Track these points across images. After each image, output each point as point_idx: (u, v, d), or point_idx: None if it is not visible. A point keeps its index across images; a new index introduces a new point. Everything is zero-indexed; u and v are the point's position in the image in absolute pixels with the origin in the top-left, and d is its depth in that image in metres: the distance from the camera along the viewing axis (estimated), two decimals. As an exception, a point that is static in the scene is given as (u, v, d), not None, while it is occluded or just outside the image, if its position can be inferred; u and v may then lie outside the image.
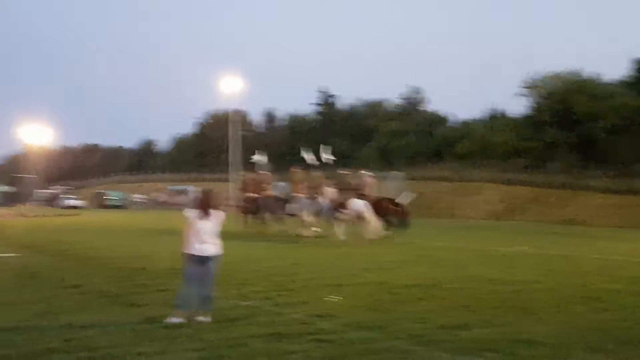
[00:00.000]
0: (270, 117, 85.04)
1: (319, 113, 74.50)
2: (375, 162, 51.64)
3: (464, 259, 14.18)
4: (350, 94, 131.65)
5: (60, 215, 44.63)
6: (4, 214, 36.69)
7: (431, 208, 40.68)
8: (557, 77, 44.78)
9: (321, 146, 26.07)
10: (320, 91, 74.59)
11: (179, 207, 58.60)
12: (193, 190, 58.58)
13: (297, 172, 23.43)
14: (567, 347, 6.16)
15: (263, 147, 77.06)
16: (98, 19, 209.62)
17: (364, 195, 19.59)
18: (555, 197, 37.14)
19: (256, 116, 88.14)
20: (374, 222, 18.53)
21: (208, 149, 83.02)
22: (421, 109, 66.63)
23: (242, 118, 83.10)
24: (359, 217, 18.66)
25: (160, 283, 10.16)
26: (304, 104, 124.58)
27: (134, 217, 41.87)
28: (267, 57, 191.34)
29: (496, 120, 52.86)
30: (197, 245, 7.34)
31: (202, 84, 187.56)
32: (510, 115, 51.44)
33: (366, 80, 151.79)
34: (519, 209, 37.14)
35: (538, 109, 44.10)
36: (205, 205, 7.49)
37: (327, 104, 74.53)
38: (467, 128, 53.65)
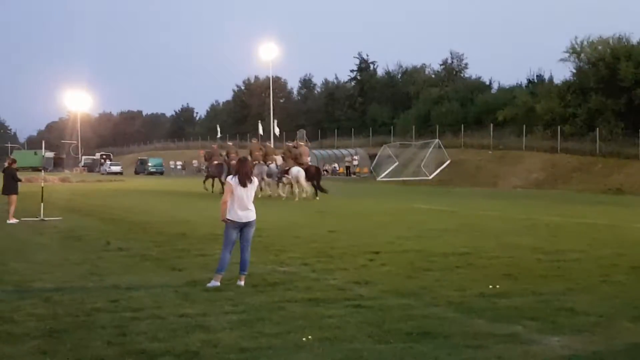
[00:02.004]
0: (307, 84, 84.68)
1: (358, 80, 73.73)
2: (414, 130, 51.15)
3: (506, 227, 13.99)
4: (389, 60, 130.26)
5: (103, 180, 45.69)
6: (49, 179, 37.66)
7: (473, 176, 40.18)
8: (603, 41, 43.14)
9: (275, 122, 34.94)
10: (358, 57, 73.83)
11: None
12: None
13: (255, 144, 28.65)
14: (611, 317, 6.03)
15: (301, 114, 77.18)
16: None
17: (301, 163, 24.17)
18: (600, 165, 36.17)
19: (294, 83, 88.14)
20: (305, 185, 23.38)
21: (246, 116, 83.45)
22: (462, 75, 65.44)
23: (280, 85, 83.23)
24: (297, 181, 23.33)
25: (200, 248, 10.35)
26: (342, 71, 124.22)
27: (174, 183, 42.55)
28: (305, 24, 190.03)
29: (540, 86, 51.50)
30: (239, 212, 7.44)
31: (240, 52, 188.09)
32: (555, 82, 50.06)
33: (406, 46, 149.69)
34: (563, 178, 36.33)
35: (583, 75, 42.70)
36: (244, 172, 7.55)
37: (366, 70, 73.66)
38: (509, 94, 52.40)
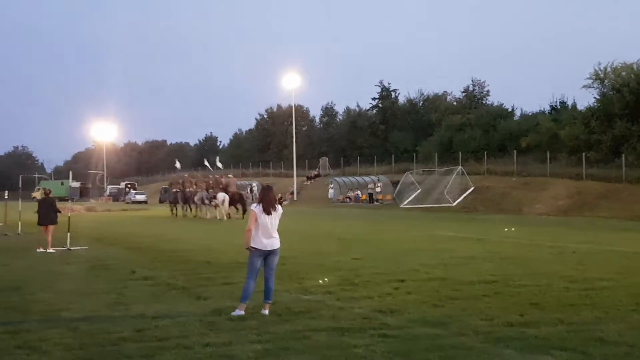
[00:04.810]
0: (329, 112, 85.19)
1: (379, 107, 73.97)
2: (437, 157, 50.97)
3: (533, 255, 13.79)
4: (411, 88, 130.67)
5: (128, 209, 46.18)
6: (76, 208, 38.15)
7: (498, 203, 39.76)
8: (627, 67, 42.78)
9: (217, 157, 43.44)
10: (380, 85, 74.15)
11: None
12: (257, 185, 59.54)
13: (197, 175, 38.15)
14: (643, 347, 5.89)
15: (323, 142, 77.41)
16: (162, 19, 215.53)
17: (227, 190, 30.77)
18: (627, 192, 35.53)
19: (316, 111, 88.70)
20: (226, 209, 29.84)
21: (269, 144, 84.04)
22: (484, 102, 65.32)
23: (302, 113, 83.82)
24: (221, 204, 29.63)
25: (224, 276, 10.36)
26: (364, 99, 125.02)
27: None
28: (326, 54, 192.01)
29: (564, 112, 51.14)
30: (263, 240, 7.44)
31: (263, 81, 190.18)
32: (579, 108, 49.69)
33: (427, 74, 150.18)
34: (589, 205, 35.75)
35: (607, 101, 42.32)
36: (268, 200, 7.57)
37: (388, 98, 73.92)
38: (533, 121, 52.08)
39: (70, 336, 6.31)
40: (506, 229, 14.47)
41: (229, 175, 34.70)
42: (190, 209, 33.86)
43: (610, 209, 33.80)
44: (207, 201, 31.42)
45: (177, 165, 48.58)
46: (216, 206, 30.40)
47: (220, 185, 31.60)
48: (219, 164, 42.05)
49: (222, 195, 29.56)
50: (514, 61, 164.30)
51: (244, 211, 29.87)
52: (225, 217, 29.38)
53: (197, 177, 36.21)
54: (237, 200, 30.77)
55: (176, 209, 34.74)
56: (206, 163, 43.58)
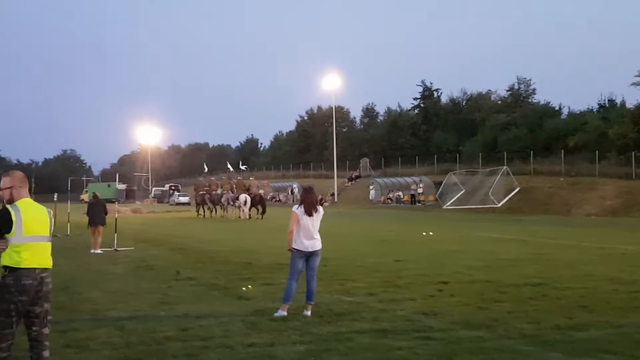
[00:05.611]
0: (370, 113, 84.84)
1: (421, 107, 73.26)
2: (481, 156, 50.17)
3: (580, 257, 13.46)
4: (454, 87, 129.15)
5: (172, 211, 46.94)
6: (122, 210, 38.98)
7: (544, 204, 38.90)
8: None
9: (240, 162, 47.49)
10: (422, 85, 73.48)
11: (281, 203, 60.02)
12: (297, 187, 59.80)
13: (224, 178, 41.28)
14: (698, 353, 5.68)
15: (363, 143, 77.24)
16: (204, 23, 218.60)
17: (249, 191, 34.38)
18: (678, 192, 34.38)
19: (356, 112, 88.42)
20: (247, 210, 32.54)
21: (309, 145, 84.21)
22: (530, 100, 64.02)
23: (342, 114, 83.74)
24: (243, 205, 32.43)
25: (265, 277, 10.44)
26: (405, 99, 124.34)
27: (237, 212, 43.10)
28: (367, 53, 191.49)
29: (612, 111, 49.71)
30: (305, 241, 7.45)
31: (303, 82, 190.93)
32: (628, 106, 48.21)
33: (471, 72, 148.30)
34: (639, 205, 34.74)
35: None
36: (310, 201, 7.58)
37: (430, 97, 73.15)
38: (580, 120, 50.78)
39: (117, 335, 6.44)
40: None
41: (251, 178, 39.05)
42: (216, 210, 36.42)
43: (662, 210, 32.74)
44: (231, 202, 34.02)
45: (206, 169, 52.44)
46: (239, 207, 32.92)
47: (242, 187, 35.18)
48: (242, 167, 46.12)
49: (243, 197, 32.41)
50: (561, 59, 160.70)
51: (264, 212, 33.14)
52: (247, 217, 32.00)
53: (222, 180, 40.54)
54: (257, 201, 33.43)
55: (203, 210, 36.93)
56: (229, 166, 47.87)
